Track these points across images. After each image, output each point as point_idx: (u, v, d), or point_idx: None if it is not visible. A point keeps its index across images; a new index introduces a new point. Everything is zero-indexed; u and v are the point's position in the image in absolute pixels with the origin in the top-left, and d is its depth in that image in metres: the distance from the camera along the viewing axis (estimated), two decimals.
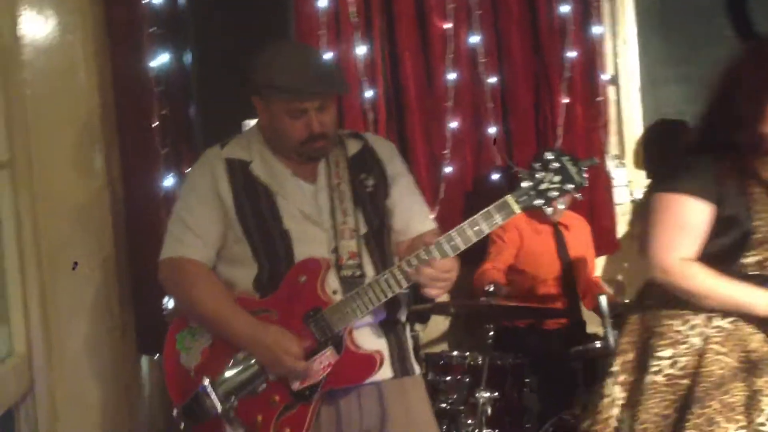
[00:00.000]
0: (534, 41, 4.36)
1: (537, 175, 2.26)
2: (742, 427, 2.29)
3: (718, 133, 2.40)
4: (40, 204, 2.95)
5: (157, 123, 3.39)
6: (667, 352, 2.39)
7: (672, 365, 2.38)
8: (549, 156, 2.25)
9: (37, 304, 2.90)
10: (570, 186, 2.25)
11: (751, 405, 2.30)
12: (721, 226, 2.35)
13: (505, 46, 4.33)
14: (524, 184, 2.27)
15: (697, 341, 2.37)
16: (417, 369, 2.56)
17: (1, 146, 2.84)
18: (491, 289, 3.52)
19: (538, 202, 2.26)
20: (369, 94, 4.14)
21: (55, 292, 2.98)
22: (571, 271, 4.12)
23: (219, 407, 2.37)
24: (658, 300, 2.45)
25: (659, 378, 2.39)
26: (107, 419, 3.10)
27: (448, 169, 4.27)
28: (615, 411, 2.45)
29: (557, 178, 2.25)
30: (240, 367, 2.39)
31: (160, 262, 2.48)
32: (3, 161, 2.85)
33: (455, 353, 3.70)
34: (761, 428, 2.28)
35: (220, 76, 3.44)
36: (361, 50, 4.12)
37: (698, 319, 2.38)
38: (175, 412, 2.47)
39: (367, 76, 4.15)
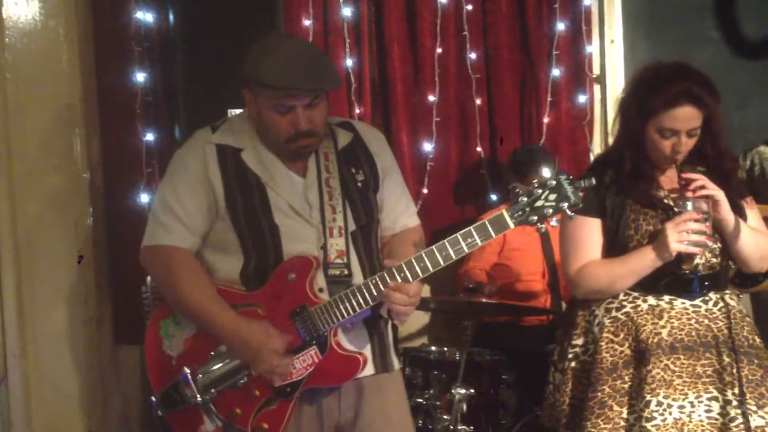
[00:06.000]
0: (522, 38, 4.35)
1: (534, 192, 2.28)
2: (633, 411, 2.52)
3: (612, 151, 2.67)
4: (17, 190, 2.91)
5: (141, 110, 3.36)
6: (580, 341, 2.64)
7: (584, 352, 2.62)
8: (547, 174, 2.27)
9: (13, 292, 2.88)
10: (565, 205, 2.27)
11: (638, 391, 2.52)
12: (608, 236, 2.59)
13: (492, 42, 4.31)
14: (521, 200, 2.28)
15: (596, 330, 2.60)
16: (396, 364, 2.57)
17: None
18: (472, 286, 3.52)
19: (533, 218, 2.28)
20: (355, 84, 4.11)
21: (31, 280, 2.96)
22: (555, 268, 4.12)
23: (198, 397, 2.36)
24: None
25: (574, 364, 2.63)
26: (81, 407, 3.10)
27: (432, 163, 4.26)
28: (557, 396, 2.67)
29: (553, 197, 2.27)
30: (222, 360, 2.38)
31: (143, 248, 2.43)
32: None
33: (433, 348, 3.71)
34: (642, 413, 2.49)
35: (207, 58, 3.37)
36: (349, 39, 4.09)
37: (599, 310, 2.61)
38: (153, 398, 2.45)
39: (354, 65, 4.11)
